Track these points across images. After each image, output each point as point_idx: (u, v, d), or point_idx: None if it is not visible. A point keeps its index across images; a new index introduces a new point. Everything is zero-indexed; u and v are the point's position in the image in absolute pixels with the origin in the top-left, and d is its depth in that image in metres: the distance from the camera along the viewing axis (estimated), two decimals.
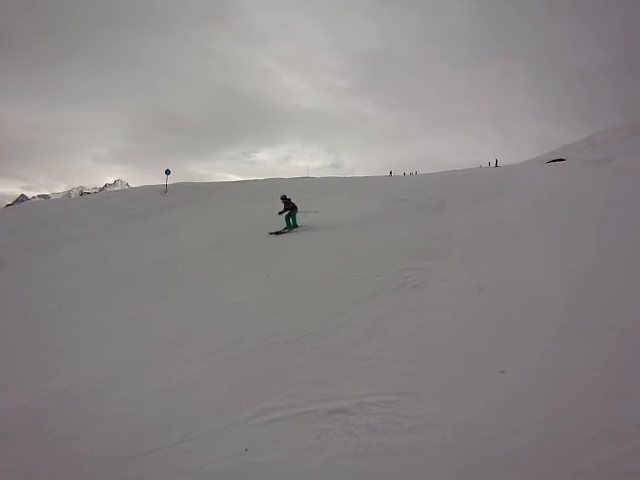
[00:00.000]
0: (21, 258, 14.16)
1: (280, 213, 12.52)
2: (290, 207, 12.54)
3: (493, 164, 33.52)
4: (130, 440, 4.03)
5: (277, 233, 12.00)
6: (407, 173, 35.78)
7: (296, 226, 12.53)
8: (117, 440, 4.10)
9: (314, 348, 4.84)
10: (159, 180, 22.81)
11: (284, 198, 12.68)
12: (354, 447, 3.20)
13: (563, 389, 3.41)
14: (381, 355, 4.35)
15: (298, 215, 12.63)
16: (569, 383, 3.46)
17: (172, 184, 22.29)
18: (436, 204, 10.73)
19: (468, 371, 3.83)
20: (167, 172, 22.14)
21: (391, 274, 6.43)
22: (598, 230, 7.08)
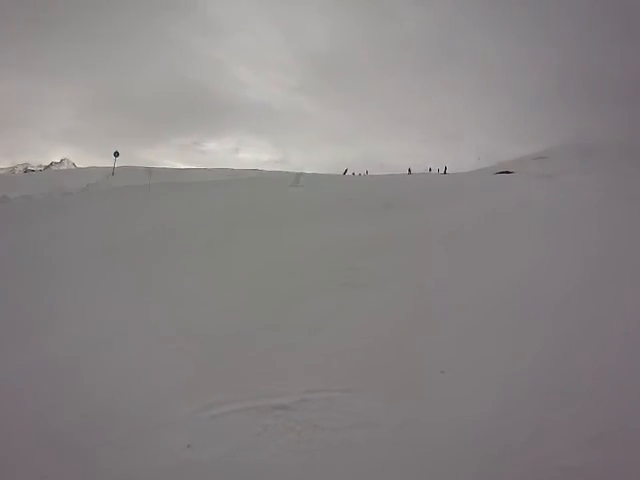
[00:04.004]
0: None
1: None
2: None
3: (442, 171, 33.16)
4: (73, 434, 3.84)
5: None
6: (357, 173, 34.88)
7: None
8: (62, 432, 3.89)
9: (255, 343, 4.84)
10: (107, 162, 21.80)
11: None
12: (296, 444, 3.25)
13: (501, 390, 3.64)
14: (323, 352, 4.44)
15: None
16: (507, 384, 3.70)
17: (120, 167, 21.41)
18: (383, 205, 10.95)
19: (409, 370, 4.02)
20: (116, 154, 21.28)
21: (335, 273, 6.47)
22: (539, 241, 7.59)
